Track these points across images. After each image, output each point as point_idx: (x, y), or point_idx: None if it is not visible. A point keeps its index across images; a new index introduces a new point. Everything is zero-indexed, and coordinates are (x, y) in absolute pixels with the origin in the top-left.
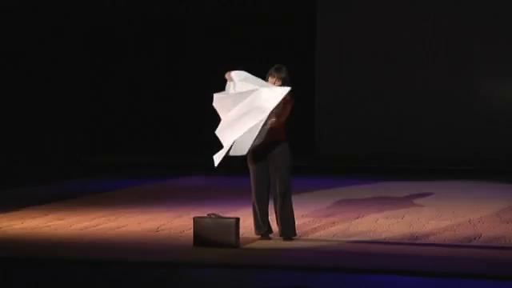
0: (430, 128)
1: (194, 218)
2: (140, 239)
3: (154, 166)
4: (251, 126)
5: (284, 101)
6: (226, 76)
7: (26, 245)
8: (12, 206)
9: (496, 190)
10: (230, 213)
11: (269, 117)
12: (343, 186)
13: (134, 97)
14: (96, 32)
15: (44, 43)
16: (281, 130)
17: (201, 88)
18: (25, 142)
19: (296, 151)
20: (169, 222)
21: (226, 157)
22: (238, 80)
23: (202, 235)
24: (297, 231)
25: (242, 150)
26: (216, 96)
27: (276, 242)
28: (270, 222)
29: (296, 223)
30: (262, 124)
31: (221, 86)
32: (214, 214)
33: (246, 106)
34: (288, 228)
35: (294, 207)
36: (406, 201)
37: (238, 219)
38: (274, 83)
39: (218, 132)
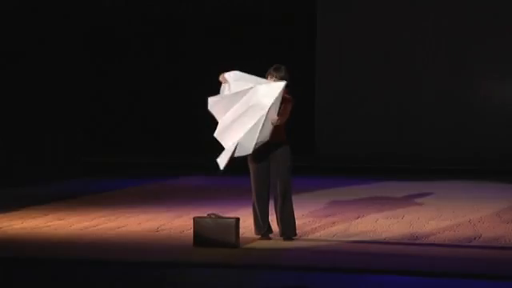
0: (429, 128)
1: (194, 218)
2: (140, 239)
3: (153, 165)
4: (252, 124)
5: (284, 95)
6: (221, 78)
7: (26, 245)
8: (12, 205)
9: (496, 189)
10: (230, 213)
11: (269, 112)
12: (343, 186)
13: (134, 97)
14: (96, 32)
15: (44, 43)
16: (281, 130)
17: (201, 88)
18: (25, 142)
19: (296, 151)
20: (169, 222)
21: (231, 158)
22: (233, 80)
23: (202, 235)
24: (297, 231)
25: (247, 149)
26: (211, 100)
27: (276, 241)
28: (270, 222)
29: (296, 223)
30: (263, 120)
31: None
32: (214, 214)
33: (243, 106)
34: (288, 228)
35: (294, 207)
36: (406, 201)
37: (238, 219)
38: None
39: (217, 135)
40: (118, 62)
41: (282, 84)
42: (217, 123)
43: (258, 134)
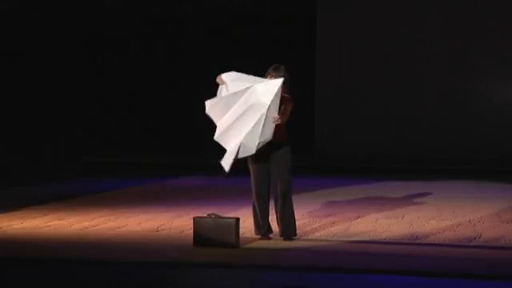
0: (429, 128)
1: (194, 218)
2: (140, 239)
3: (154, 165)
4: (253, 124)
5: (284, 95)
6: (218, 80)
7: (26, 245)
8: (12, 205)
9: (496, 189)
10: (230, 213)
11: (269, 110)
12: (343, 186)
13: (134, 97)
14: (96, 32)
15: (44, 43)
16: (282, 130)
17: (201, 88)
18: (25, 142)
19: (296, 151)
20: (169, 222)
21: (236, 160)
22: (230, 81)
23: (202, 235)
24: (297, 231)
25: (250, 150)
26: (208, 103)
27: (276, 241)
28: (270, 222)
29: (296, 223)
30: (264, 119)
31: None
32: (214, 214)
33: (242, 106)
34: (288, 228)
35: (294, 207)
36: (406, 201)
37: (238, 219)
38: None
39: (217, 137)
40: (118, 62)
41: (279, 81)
42: (215, 126)
43: (259, 134)
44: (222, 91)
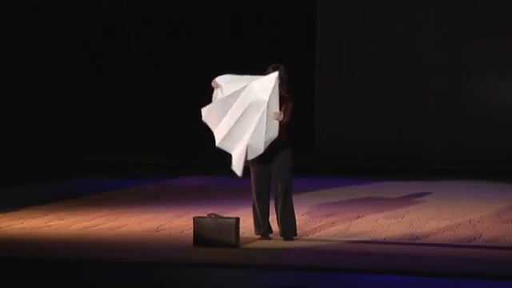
0: (430, 128)
1: (194, 218)
2: (140, 239)
3: (153, 165)
4: (255, 123)
5: (284, 95)
6: (212, 84)
7: (26, 245)
8: (12, 206)
9: (496, 189)
10: (230, 213)
11: (269, 106)
12: (343, 186)
13: (134, 97)
14: (96, 32)
15: (44, 43)
16: (282, 130)
17: (201, 88)
18: (25, 142)
19: (296, 151)
20: (169, 222)
21: (245, 162)
22: (225, 83)
23: (202, 235)
24: (297, 231)
25: (258, 150)
26: (204, 110)
27: (276, 241)
28: (270, 222)
29: (296, 223)
30: (265, 116)
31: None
32: (214, 214)
33: (241, 106)
34: (288, 228)
35: (294, 207)
36: (406, 201)
37: (238, 219)
38: None
39: (219, 144)
40: (117, 62)
41: (274, 75)
42: (212, 134)
43: (264, 133)
44: (218, 95)
